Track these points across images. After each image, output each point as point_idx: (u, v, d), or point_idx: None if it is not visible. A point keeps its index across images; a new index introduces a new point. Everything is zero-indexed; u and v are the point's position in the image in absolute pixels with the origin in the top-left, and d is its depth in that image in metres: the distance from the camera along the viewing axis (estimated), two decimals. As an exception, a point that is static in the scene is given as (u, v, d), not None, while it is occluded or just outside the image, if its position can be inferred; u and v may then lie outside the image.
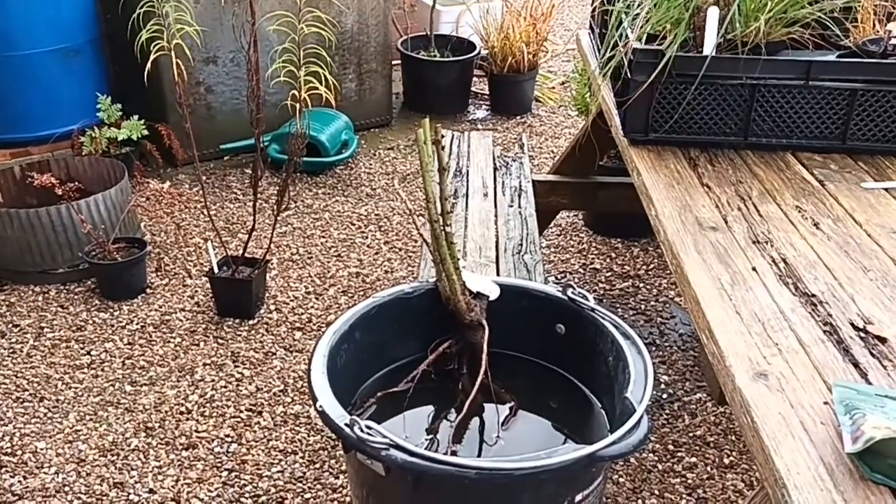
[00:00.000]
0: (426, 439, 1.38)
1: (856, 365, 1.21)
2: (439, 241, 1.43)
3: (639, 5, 2.08)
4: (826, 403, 1.12)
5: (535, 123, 5.00)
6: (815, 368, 1.20)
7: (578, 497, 1.22)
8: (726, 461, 2.37)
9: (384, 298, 1.48)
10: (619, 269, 3.40)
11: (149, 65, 2.61)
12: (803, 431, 1.07)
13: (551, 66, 5.86)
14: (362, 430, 1.12)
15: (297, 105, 2.66)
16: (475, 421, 1.43)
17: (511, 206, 2.72)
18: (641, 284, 3.28)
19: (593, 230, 3.67)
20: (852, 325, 1.31)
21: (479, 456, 1.35)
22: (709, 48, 1.97)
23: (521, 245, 2.48)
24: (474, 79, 5.27)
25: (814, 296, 1.39)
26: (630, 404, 1.20)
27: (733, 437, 2.47)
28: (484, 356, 1.38)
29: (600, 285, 3.29)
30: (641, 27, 2.02)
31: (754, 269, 1.48)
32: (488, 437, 1.39)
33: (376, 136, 4.76)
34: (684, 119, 2.01)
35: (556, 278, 3.33)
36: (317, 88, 2.66)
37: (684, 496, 2.25)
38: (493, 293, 1.48)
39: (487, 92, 5.25)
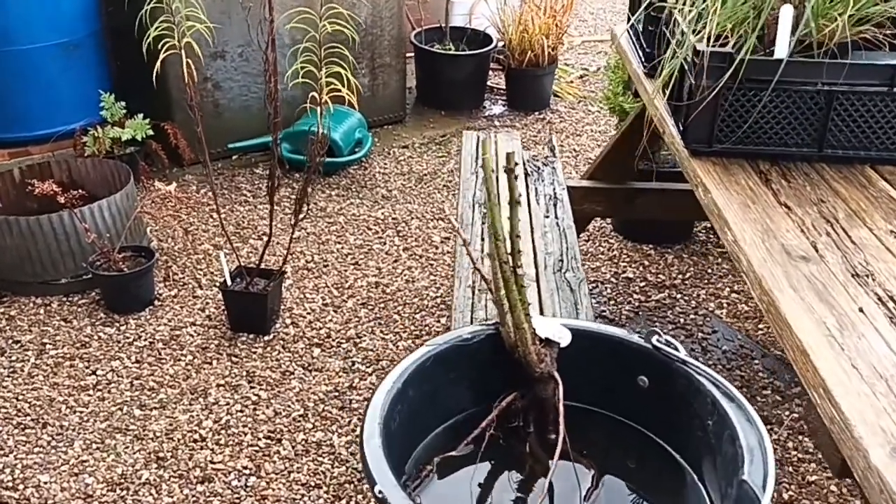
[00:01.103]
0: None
1: None
2: (509, 284, 1.24)
3: (698, 3, 1.89)
4: None
5: (555, 120, 4.80)
6: (962, 441, 1.02)
7: None
8: (785, 496, 2.20)
9: (439, 347, 1.30)
10: (653, 278, 3.21)
11: (158, 64, 2.41)
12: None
13: (567, 58, 5.65)
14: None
15: (318, 108, 2.46)
16: (541, 485, 1.25)
17: (547, 217, 2.53)
18: (679, 295, 3.10)
19: (623, 236, 3.48)
20: None
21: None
22: (781, 51, 1.78)
23: (562, 261, 2.30)
24: (490, 73, 5.08)
25: (935, 343, 1.21)
26: (751, 491, 1.02)
27: (790, 469, 2.30)
28: (561, 419, 1.19)
29: (635, 296, 3.11)
30: (704, 27, 1.83)
31: (861, 309, 1.30)
32: (565, 510, 1.21)
33: (390, 133, 4.56)
34: (752, 128, 1.82)
35: (588, 290, 3.14)
36: (338, 90, 2.47)
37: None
38: (565, 339, 1.30)
39: (504, 86, 5.05)
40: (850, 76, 1.75)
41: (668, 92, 1.98)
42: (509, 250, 1.25)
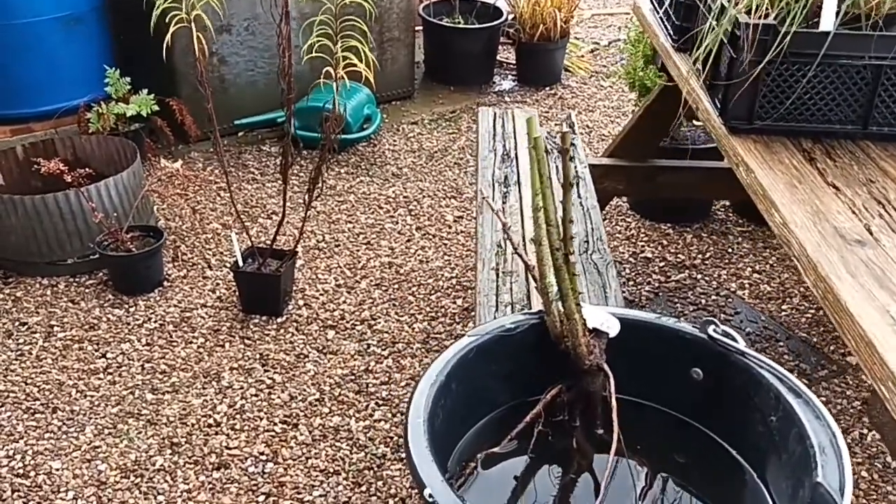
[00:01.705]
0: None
1: None
2: (561, 272, 1.17)
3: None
4: None
5: (567, 95, 4.70)
6: None
7: None
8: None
9: (482, 338, 1.23)
10: (672, 258, 3.15)
11: (168, 38, 2.31)
12: None
13: (578, 32, 5.54)
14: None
15: (334, 84, 2.37)
16: (587, 481, 1.19)
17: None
18: (699, 276, 3.03)
19: (640, 214, 3.40)
20: None
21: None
22: (827, 23, 1.70)
23: (588, 242, 2.23)
24: (500, 47, 4.97)
25: None
26: (827, 495, 0.95)
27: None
28: (614, 415, 1.13)
29: (654, 276, 3.04)
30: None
31: (925, 297, 1.23)
32: (617, 510, 1.14)
33: (398, 109, 4.46)
34: (794, 105, 1.74)
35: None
36: (354, 65, 2.38)
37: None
38: (613, 329, 1.23)
39: (514, 61, 4.94)
40: (899, 49, 1.67)
41: (703, 67, 1.90)
42: (561, 236, 1.18)
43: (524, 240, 2.24)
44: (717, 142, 1.85)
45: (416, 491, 2.10)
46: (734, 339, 1.22)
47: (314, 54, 2.34)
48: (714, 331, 1.23)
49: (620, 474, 1.15)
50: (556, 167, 2.66)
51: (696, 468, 1.27)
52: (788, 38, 1.64)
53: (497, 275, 2.09)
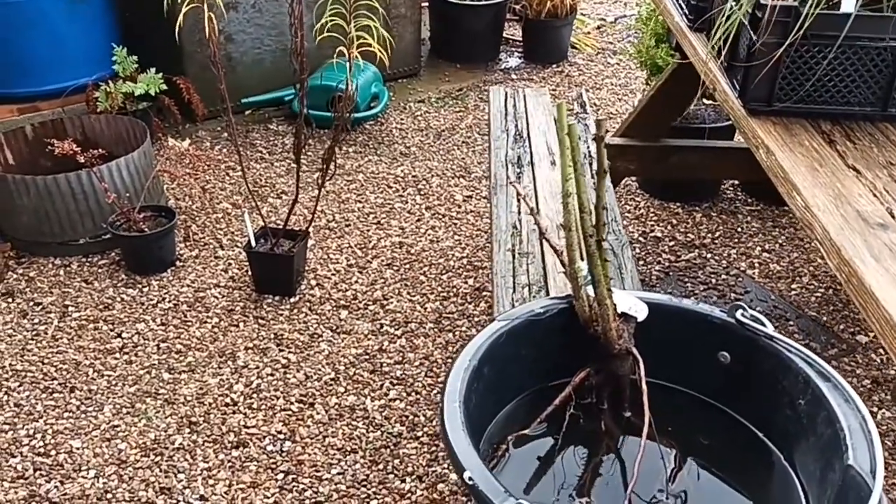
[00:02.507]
0: (574, 498, 1.15)
1: None
2: (594, 259, 1.18)
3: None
4: None
5: (573, 72, 4.69)
6: None
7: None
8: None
9: (513, 322, 1.24)
10: (682, 237, 3.16)
11: (181, 17, 2.30)
12: None
13: (584, 8, 5.51)
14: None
15: (347, 63, 2.37)
16: (615, 465, 1.21)
17: (583, 177, 2.45)
18: (709, 255, 3.05)
19: (650, 194, 3.41)
20: None
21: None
22: (848, 5, 1.69)
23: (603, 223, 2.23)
24: (506, 24, 4.94)
25: None
26: (859, 478, 0.97)
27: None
28: (645, 398, 1.15)
29: (664, 256, 3.05)
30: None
31: (949, 281, 1.24)
32: (644, 493, 1.16)
33: (405, 87, 4.45)
34: (814, 87, 1.74)
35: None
36: (368, 45, 2.37)
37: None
38: (641, 314, 1.25)
39: (520, 38, 4.92)
40: (920, 31, 1.67)
41: (722, 48, 1.90)
42: (594, 222, 1.19)
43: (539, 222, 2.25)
44: (736, 123, 1.85)
45: (432, 469, 2.13)
46: (762, 324, 1.24)
47: (328, 33, 2.34)
48: (742, 315, 1.24)
49: (649, 456, 1.16)
50: (569, 147, 2.66)
51: (723, 451, 1.29)
52: (810, 20, 1.64)
53: (513, 256, 2.10)
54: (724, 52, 1.91)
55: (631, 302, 1.26)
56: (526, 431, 1.21)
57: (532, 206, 1.76)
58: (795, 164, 1.58)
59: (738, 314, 1.24)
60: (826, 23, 1.67)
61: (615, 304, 1.22)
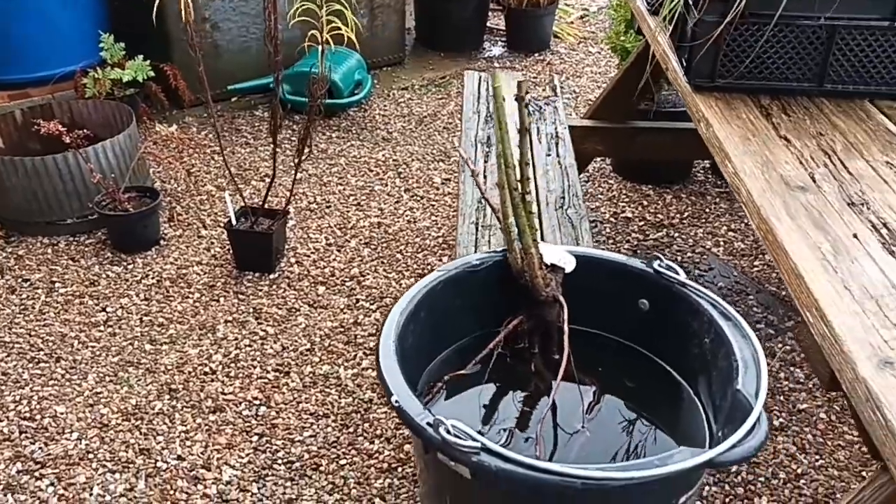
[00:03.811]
0: (502, 430, 1.26)
1: None
2: (518, 210, 1.28)
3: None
4: (968, 398, 1.00)
5: (555, 61, 4.78)
6: (947, 354, 1.08)
7: (683, 499, 1.11)
8: (776, 423, 2.28)
9: (450, 272, 1.34)
10: (651, 217, 3.26)
11: (158, 3, 2.40)
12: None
13: (568, -1, 5.60)
14: (448, 432, 1.00)
15: (319, 47, 2.46)
16: (545, 402, 1.30)
17: (549, 156, 2.56)
18: (676, 234, 3.15)
19: (623, 176, 3.51)
20: (975, 301, 1.18)
21: (555, 447, 1.23)
22: (785, -16, 1.79)
23: (564, 198, 2.34)
24: (490, 13, 5.03)
25: (925, 267, 1.26)
26: (744, 399, 1.08)
27: (781, 398, 2.37)
28: (566, 339, 1.25)
29: (633, 235, 3.15)
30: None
31: (855, 235, 1.34)
32: (567, 425, 1.27)
33: (389, 74, 4.55)
34: (754, 63, 1.84)
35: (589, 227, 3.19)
36: (338, 29, 2.47)
37: (735, 460, 2.16)
38: (569, 265, 1.35)
39: (504, 27, 5.01)
40: (852, 10, 1.77)
41: (671, 28, 2.00)
42: (518, 177, 1.28)
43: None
44: (683, 100, 1.95)
45: (399, 431, 2.24)
46: (676, 273, 1.34)
47: (299, 18, 2.43)
48: (659, 265, 1.34)
49: (572, 395, 1.27)
50: (538, 128, 2.77)
51: (640, 387, 1.40)
52: (748, -1, 1.74)
53: (476, 228, 2.20)
54: (671, 33, 2.00)
55: (561, 255, 1.36)
56: (462, 372, 1.31)
57: (475, 169, 1.86)
58: (730, 135, 1.68)
59: (656, 265, 1.35)
60: (762, 2, 1.77)
61: (541, 254, 1.32)
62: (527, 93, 1.27)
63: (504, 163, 1.28)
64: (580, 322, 1.33)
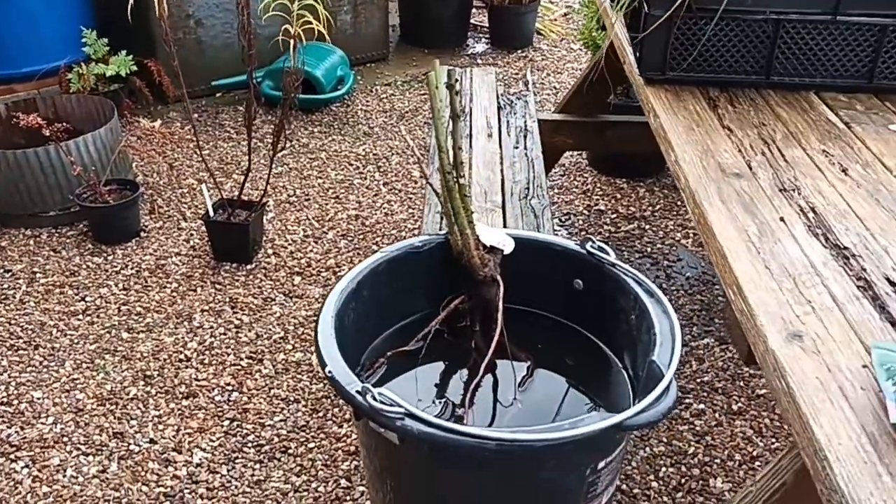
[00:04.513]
0: (439, 402, 1.32)
1: (893, 324, 1.15)
2: (452, 193, 1.34)
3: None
4: (865, 367, 1.06)
5: (537, 58, 4.84)
6: (852, 328, 1.14)
7: (601, 464, 1.17)
8: (734, 407, 2.35)
9: (392, 253, 1.41)
10: (624, 210, 3.32)
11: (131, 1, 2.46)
12: (842, 397, 1.02)
13: (552, -4, 5.65)
14: (375, 399, 1.06)
15: (291, 41, 2.53)
16: (490, 381, 1.37)
17: (517, 148, 2.62)
18: (647, 226, 3.21)
19: (598, 170, 3.58)
20: (888, 280, 1.24)
21: (493, 418, 1.29)
22: (730, -21, 1.85)
23: (528, 189, 2.40)
24: (473, 10, 5.09)
25: (846, 248, 1.32)
26: (657, 369, 1.14)
27: (741, 384, 2.44)
28: (499, 315, 1.31)
29: (605, 227, 3.22)
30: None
31: (782, 219, 1.40)
32: (504, 398, 1.33)
33: (373, 71, 4.61)
34: (703, 57, 1.90)
35: (561, 220, 3.25)
36: (311, 23, 2.53)
37: (692, 443, 2.22)
38: (508, 247, 1.41)
39: (487, 24, 5.07)
40: (796, 4, 1.82)
41: (627, 22, 2.06)
42: (451, 161, 1.34)
43: (470, 189, 2.41)
44: (637, 92, 2.01)
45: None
46: (607, 253, 1.40)
47: (272, 13, 2.50)
48: (591, 246, 1.40)
49: (507, 369, 1.33)
50: (507, 122, 2.83)
51: (573, 362, 1.46)
52: (693, -7, 1.80)
53: (442, 218, 2.26)
54: (627, 26, 2.06)
55: (500, 237, 1.42)
56: (404, 349, 1.37)
57: (421, 158, 1.90)
58: (675, 125, 1.74)
59: (588, 246, 1.41)
60: (708, -4, 1.82)
61: (477, 235, 1.38)
62: (457, 81, 1.33)
63: (438, 147, 1.34)
64: (519, 301, 1.40)
